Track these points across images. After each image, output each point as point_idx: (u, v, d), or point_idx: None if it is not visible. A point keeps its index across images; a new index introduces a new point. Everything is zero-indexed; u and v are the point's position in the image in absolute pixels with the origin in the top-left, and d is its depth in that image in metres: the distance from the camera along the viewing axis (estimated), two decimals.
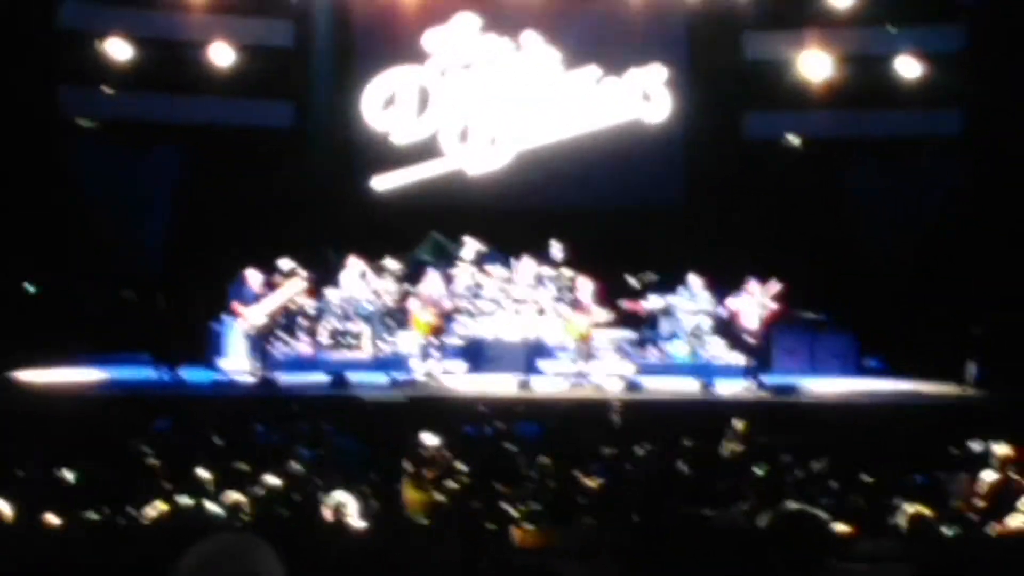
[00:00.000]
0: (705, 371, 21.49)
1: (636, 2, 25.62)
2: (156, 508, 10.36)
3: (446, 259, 23.66)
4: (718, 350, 22.46)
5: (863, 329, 23.20)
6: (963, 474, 12.82)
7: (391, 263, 22.64)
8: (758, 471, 13.22)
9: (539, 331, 22.42)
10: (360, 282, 22.47)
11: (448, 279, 22.34)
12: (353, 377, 20.54)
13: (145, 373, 20.90)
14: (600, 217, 24.77)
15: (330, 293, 22.42)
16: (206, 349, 22.44)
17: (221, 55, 24.52)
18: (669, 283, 22.60)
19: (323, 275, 22.37)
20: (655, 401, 19.74)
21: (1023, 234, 22.39)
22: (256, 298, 20.48)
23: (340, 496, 11.07)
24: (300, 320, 22.22)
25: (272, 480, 11.79)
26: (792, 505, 5.15)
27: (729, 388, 20.70)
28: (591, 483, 12.60)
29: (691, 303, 22.39)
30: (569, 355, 21.37)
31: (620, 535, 9.02)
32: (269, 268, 21.04)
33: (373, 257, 22.70)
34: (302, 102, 25.81)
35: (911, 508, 10.04)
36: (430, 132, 25.84)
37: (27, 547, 8.07)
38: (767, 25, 25.58)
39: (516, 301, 22.77)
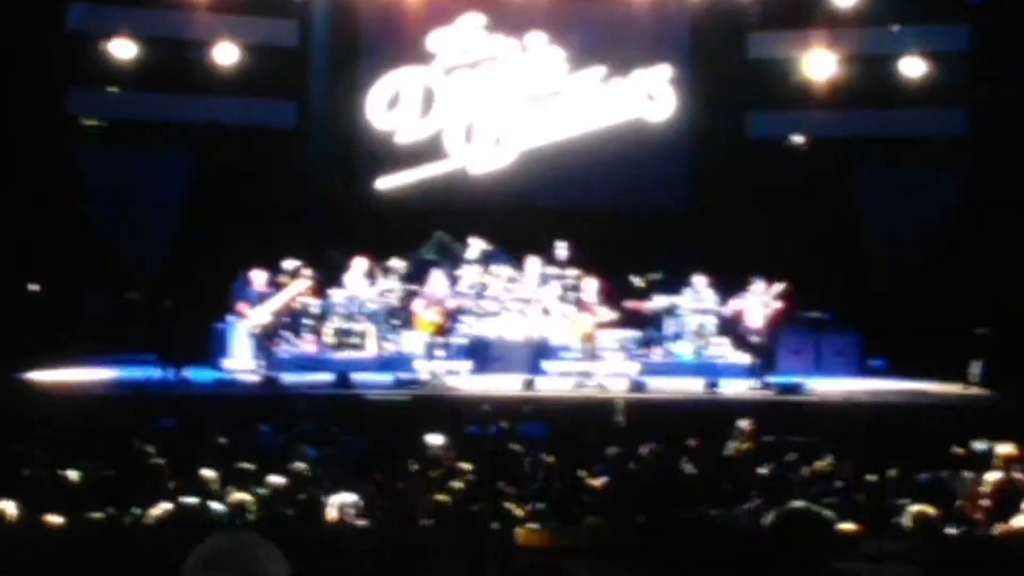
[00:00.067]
0: (710, 371, 21.47)
1: (641, 2, 25.62)
2: (161, 508, 10.36)
3: (451, 259, 23.64)
4: (723, 350, 22.45)
5: (868, 329, 23.18)
6: (968, 474, 12.81)
7: (395, 263, 22.64)
8: (763, 471, 13.22)
9: (544, 331, 22.40)
10: (364, 282, 22.47)
11: (453, 279, 22.32)
12: (357, 377, 20.54)
13: (150, 373, 20.90)
14: (605, 216, 24.80)
15: (334, 293, 22.41)
16: (211, 349, 22.44)
17: (226, 55, 24.54)
18: (674, 283, 22.59)
19: (327, 275, 22.36)
20: (660, 401, 19.74)
21: None
22: (260, 298, 20.51)
23: (344, 495, 11.08)
24: (304, 320, 22.21)
25: (277, 480, 11.80)
26: (797, 504, 5.15)
27: (734, 388, 20.69)
28: (596, 483, 12.60)
29: (696, 303, 22.38)
30: (574, 355, 21.36)
31: (625, 535, 9.03)
32: (273, 268, 21.06)
33: (377, 257, 22.69)
34: (307, 102, 25.83)
35: (915, 508, 10.03)
36: (434, 132, 25.84)
37: (32, 547, 8.08)
38: (772, 25, 25.60)
39: (521, 301, 22.75)
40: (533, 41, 25.77)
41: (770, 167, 25.08)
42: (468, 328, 22.46)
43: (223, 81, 24.69)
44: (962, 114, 24.43)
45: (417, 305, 21.23)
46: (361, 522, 10.44)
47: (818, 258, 23.78)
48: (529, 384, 20.40)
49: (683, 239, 24.58)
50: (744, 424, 15.79)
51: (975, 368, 21.24)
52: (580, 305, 21.22)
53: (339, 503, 10.88)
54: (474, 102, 25.87)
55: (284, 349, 21.71)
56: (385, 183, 25.77)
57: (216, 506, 10.83)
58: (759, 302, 20.84)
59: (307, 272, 21.24)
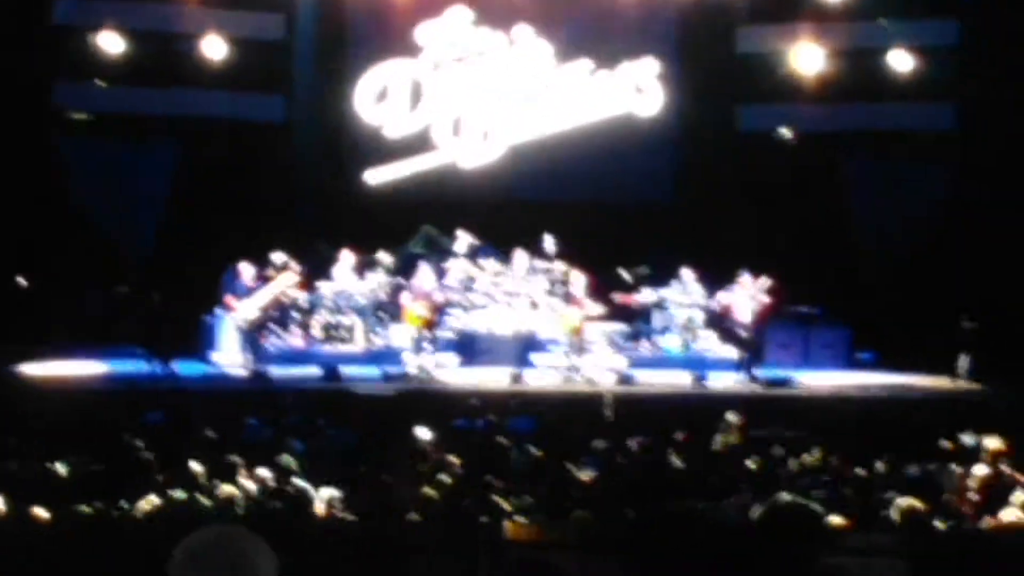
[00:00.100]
0: (698, 364, 21.49)
1: None
2: (149, 501, 10.34)
3: (439, 252, 23.63)
4: (711, 343, 22.50)
5: (856, 322, 23.23)
6: (956, 468, 12.83)
7: (384, 256, 22.63)
8: (751, 464, 13.24)
9: (532, 325, 22.41)
10: (352, 275, 22.46)
11: (441, 272, 22.32)
12: (346, 370, 20.53)
13: (138, 367, 20.86)
14: (593, 210, 24.80)
15: (323, 286, 22.40)
16: (199, 342, 22.44)
17: (214, 49, 24.48)
18: (662, 276, 22.62)
19: (316, 268, 22.35)
20: (648, 394, 19.75)
21: (1016, 228, 22.43)
22: (249, 291, 20.49)
23: (332, 489, 11.08)
24: (293, 313, 22.22)
25: (264, 473, 11.79)
26: (785, 498, 5.15)
27: (722, 381, 20.70)
28: (584, 476, 12.61)
29: (684, 296, 22.42)
30: (562, 348, 21.36)
31: (613, 528, 9.02)
32: (262, 261, 21.04)
33: (366, 250, 22.69)
34: (294, 95, 25.80)
35: (903, 501, 10.04)
36: (423, 125, 25.84)
37: (20, 541, 8.06)
38: (760, 18, 25.64)
39: (508, 294, 22.76)
40: (520, 35, 25.77)
41: (758, 161, 25.11)
42: (456, 322, 22.47)
43: (210, 74, 24.64)
44: (950, 108, 24.46)
45: (405, 299, 21.21)
46: (349, 515, 10.43)
47: (806, 252, 23.82)
48: (517, 378, 20.39)
49: (671, 233, 24.60)
50: (732, 418, 15.80)
51: (963, 362, 21.27)
52: (568, 299, 21.20)
53: (327, 496, 10.89)
54: (462, 96, 25.87)
55: (272, 343, 21.71)
56: (373, 177, 25.75)
57: (204, 500, 10.82)
58: (747, 296, 20.84)
59: (295, 266, 21.22)
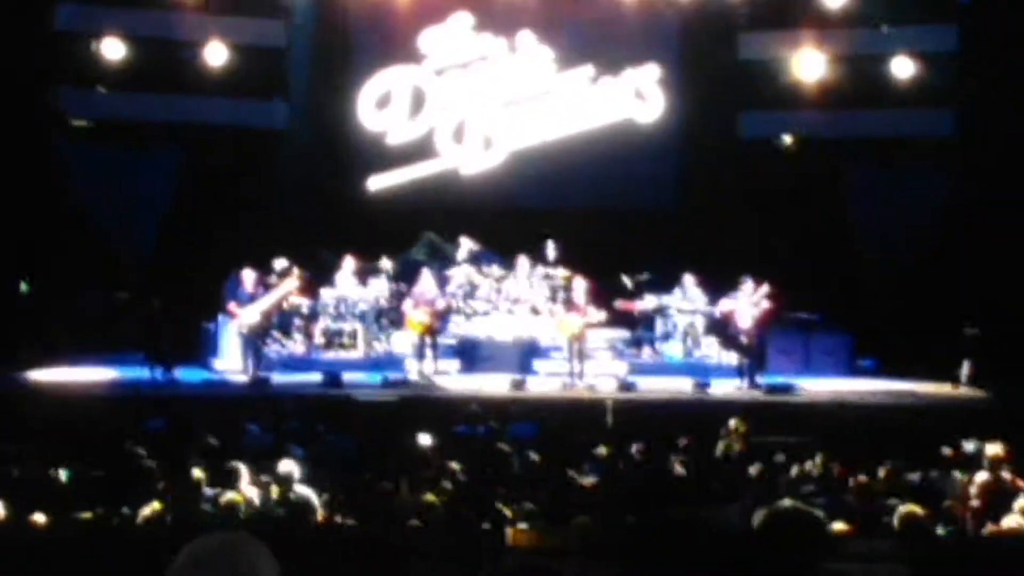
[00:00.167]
0: (699, 371, 21.50)
1: (630, 2, 25.61)
2: (150, 508, 10.34)
3: (440, 259, 23.67)
4: (712, 350, 22.49)
5: (858, 329, 23.21)
6: (957, 474, 12.82)
7: (385, 263, 22.65)
8: (752, 471, 13.23)
9: (533, 331, 22.43)
10: (354, 282, 22.46)
11: (442, 279, 22.34)
12: (347, 377, 20.52)
13: (139, 373, 20.86)
14: (594, 217, 24.80)
15: (324, 293, 22.41)
16: (200, 349, 22.45)
17: (216, 55, 24.50)
18: (663, 283, 22.62)
19: (317, 275, 22.35)
20: (649, 401, 19.73)
21: (1017, 234, 22.41)
22: (250, 298, 20.47)
23: (333, 495, 11.07)
24: (294, 320, 22.23)
25: (266, 479, 11.78)
26: (787, 504, 5.15)
27: (723, 388, 20.69)
28: (585, 483, 12.60)
29: (685, 303, 22.43)
30: (563, 355, 21.35)
31: (614, 535, 9.02)
32: (263, 268, 21.03)
33: (367, 257, 22.70)
34: (296, 102, 25.80)
35: (905, 508, 10.03)
36: (424, 132, 25.83)
37: (20, 547, 8.05)
38: (761, 25, 25.63)
39: (510, 301, 22.79)
40: (522, 41, 25.77)
41: (759, 167, 25.10)
42: (458, 328, 22.48)
43: (212, 81, 24.67)
44: (951, 114, 24.47)
45: (406, 305, 21.20)
46: (350, 522, 10.43)
47: (807, 258, 23.82)
48: (518, 384, 20.37)
49: (673, 239, 24.59)
50: (734, 424, 15.80)
51: (965, 368, 21.26)
52: (569, 305, 21.18)
53: (328, 502, 10.89)
54: (464, 102, 25.86)
55: (274, 349, 21.72)
56: (375, 183, 25.76)
57: (205, 506, 10.82)
58: (749, 302, 20.83)
59: (297, 272, 21.20)
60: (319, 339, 22.29)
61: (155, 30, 24.61)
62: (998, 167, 23.06)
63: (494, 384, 20.60)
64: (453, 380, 21.18)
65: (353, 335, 22.25)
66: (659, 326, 23.05)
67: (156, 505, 10.42)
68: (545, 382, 21.08)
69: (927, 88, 24.39)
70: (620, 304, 21.88)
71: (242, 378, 20.47)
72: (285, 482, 11.64)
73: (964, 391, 21.06)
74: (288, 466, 11.92)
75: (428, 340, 20.89)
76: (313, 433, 15.45)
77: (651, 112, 25.90)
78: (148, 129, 24.78)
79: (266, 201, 24.42)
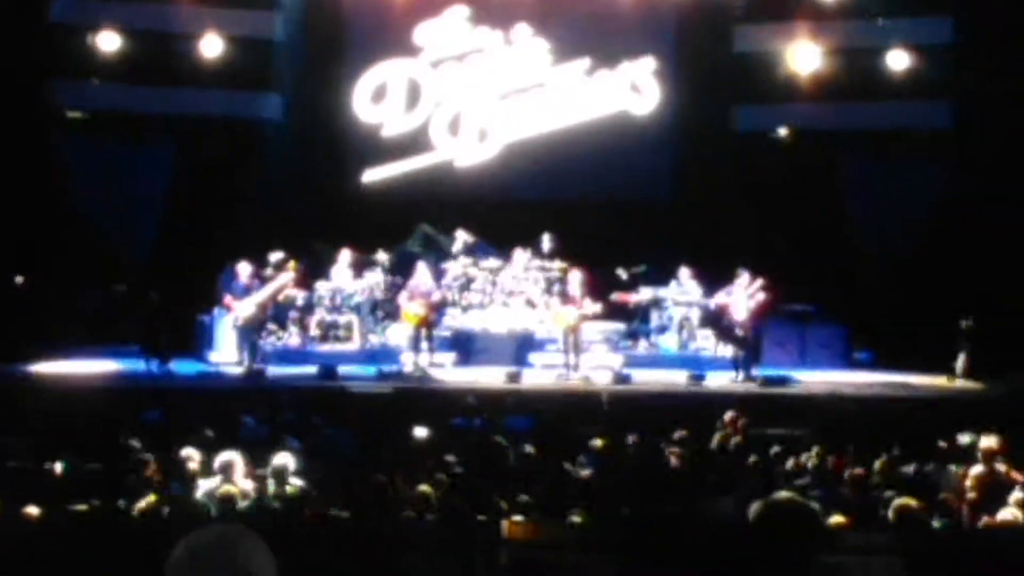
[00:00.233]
0: (695, 363, 21.50)
1: None
2: (145, 500, 10.34)
3: (436, 251, 23.67)
4: (708, 342, 22.50)
5: (853, 321, 23.24)
6: (953, 467, 12.84)
7: (381, 255, 22.64)
8: (748, 463, 13.24)
9: (528, 323, 22.44)
10: (350, 274, 22.46)
11: (437, 271, 22.33)
12: (342, 369, 20.51)
13: (135, 365, 20.85)
14: (590, 209, 24.79)
15: (320, 285, 22.40)
16: (196, 341, 22.45)
17: (211, 47, 24.48)
18: (659, 275, 22.63)
19: (313, 267, 22.34)
20: (645, 393, 19.74)
21: (1013, 226, 22.43)
22: (246, 290, 20.45)
23: (328, 486, 11.08)
24: (290, 312, 22.23)
25: (262, 472, 11.79)
26: (782, 495, 5.15)
27: (719, 380, 20.68)
28: (581, 475, 12.61)
29: (681, 295, 22.42)
30: (559, 347, 21.35)
31: (610, 527, 9.03)
32: (259, 260, 21.01)
33: (363, 249, 22.69)
34: (292, 94, 25.79)
35: (900, 500, 10.05)
36: (420, 124, 25.83)
37: (16, 540, 8.05)
38: (757, 18, 25.63)
39: (505, 293, 22.79)
40: (518, 33, 25.76)
41: (755, 160, 25.09)
42: (453, 320, 22.49)
43: (207, 73, 24.66)
44: (946, 106, 24.46)
45: (402, 298, 21.19)
46: (345, 514, 10.43)
47: (803, 250, 23.82)
48: (514, 376, 20.37)
49: (668, 231, 24.60)
50: (729, 417, 15.82)
51: (960, 360, 21.28)
52: (565, 297, 21.14)
53: (323, 494, 10.89)
54: (459, 95, 25.86)
55: (269, 341, 21.71)
56: (371, 176, 25.75)
57: (201, 498, 10.82)
58: (744, 294, 20.82)
59: (292, 264, 21.19)
60: (314, 331, 22.28)
61: (150, 22, 24.60)
62: (994, 159, 23.04)
63: (490, 377, 20.58)
64: (448, 372, 21.19)
65: (349, 327, 22.25)
66: (655, 318, 23.05)
67: (152, 497, 10.43)
68: (541, 375, 21.08)
69: (923, 80, 24.39)
70: (616, 296, 21.86)
71: (238, 370, 20.45)
72: (279, 476, 11.65)
73: (960, 383, 21.06)
74: (284, 458, 11.93)
75: (424, 332, 20.88)
76: (309, 425, 15.45)
77: (647, 105, 25.91)
78: (143, 121, 24.77)
79: (261, 194, 24.40)
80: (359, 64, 26.00)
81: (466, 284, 22.88)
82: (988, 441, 12.59)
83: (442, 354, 21.65)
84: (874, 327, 23.23)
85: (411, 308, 20.81)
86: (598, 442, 14.20)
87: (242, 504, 10.66)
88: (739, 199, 24.71)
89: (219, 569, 3.80)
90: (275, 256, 21.16)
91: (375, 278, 22.39)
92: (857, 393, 20.03)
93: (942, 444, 14.12)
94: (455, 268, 22.93)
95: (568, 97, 25.80)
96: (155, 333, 20.87)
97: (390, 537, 8.19)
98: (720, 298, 21.10)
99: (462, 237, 23.24)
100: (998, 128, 23.05)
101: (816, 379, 21.19)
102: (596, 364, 21.32)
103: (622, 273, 22.33)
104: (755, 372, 20.80)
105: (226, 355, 21.39)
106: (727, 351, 21.52)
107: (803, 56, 24.80)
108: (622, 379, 20.51)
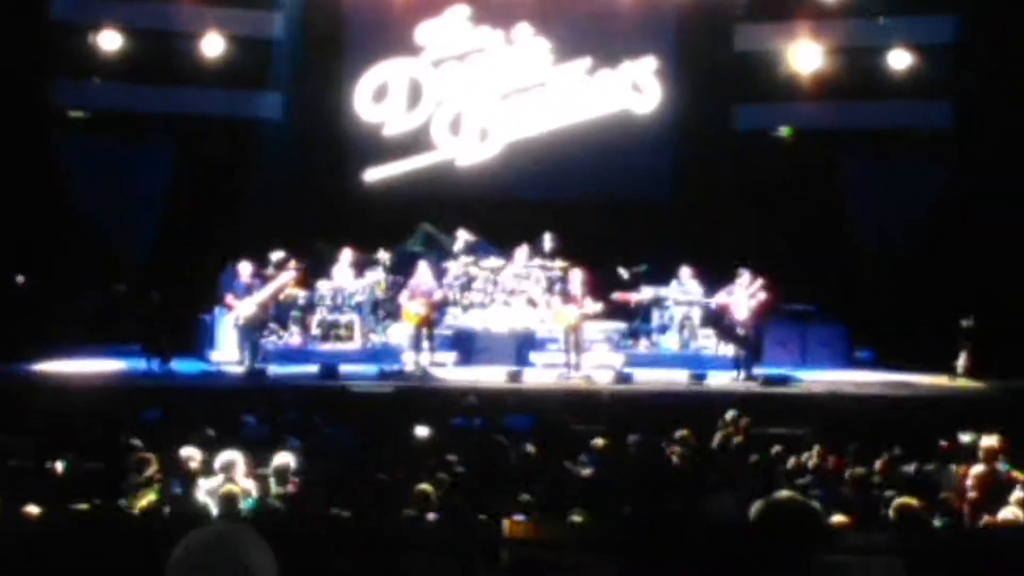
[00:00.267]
0: (696, 363, 21.50)
1: None
2: (147, 499, 10.34)
3: (437, 250, 23.65)
4: (709, 342, 22.50)
5: (854, 320, 23.22)
6: (954, 466, 12.84)
7: (382, 254, 22.63)
8: (749, 462, 13.24)
9: (529, 322, 22.43)
10: (351, 273, 22.45)
11: (439, 270, 22.33)
12: (343, 369, 20.50)
13: (136, 364, 20.86)
14: (591, 208, 24.76)
15: (321, 285, 22.40)
16: (197, 341, 22.44)
17: (212, 47, 24.47)
18: (660, 274, 22.62)
19: (314, 267, 22.34)
20: (646, 392, 19.74)
21: (1013, 225, 22.42)
22: (247, 290, 20.44)
23: (330, 486, 11.08)
24: (291, 311, 22.22)
25: (264, 471, 11.78)
26: (783, 495, 5.14)
27: (720, 380, 20.68)
28: (582, 474, 12.60)
29: (682, 295, 22.42)
30: (559, 346, 21.35)
31: (611, 526, 9.02)
32: (260, 260, 21.00)
33: (364, 249, 22.68)
34: (293, 93, 25.76)
35: (901, 500, 10.05)
36: (421, 124, 25.82)
37: (17, 539, 8.05)
38: (758, 17, 25.60)
39: (506, 292, 22.78)
40: (519, 33, 25.76)
41: (756, 159, 25.07)
42: (454, 320, 22.48)
43: (208, 72, 24.64)
44: (947, 106, 24.45)
45: (403, 297, 21.19)
46: (346, 513, 10.43)
47: (804, 250, 23.82)
48: (515, 376, 20.36)
49: (669, 231, 24.59)
50: (730, 416, 15.81)
51: (961, 360, 21.27)
52: (566, 297, 21.14)
53: (324, 493, 10.89)
54: (460, 94, 25.85)
55: (270, 341, 21.71)
56: (372, 175, 25.74)
57: (202, 497, 10.82)
58: (745, 294, 20.81)
59: (293, 264, 21.18)
60: (316, 331, 22.28)
61: (151, 21, 24.56)
62: (994, 159, 23.03)
63: (490, 376, 20.58)
64: (449, 372, 21.19)
65: (350, 327, 22.25)
66: (656, 318, 23.05)
67: (152, 496, 10.43)
68: (542, 374, 21.08)
69: (923, 80, 24.38)
70: (617, 296, 21.86)
71: (239, 370, 20.44)
72: (280, 475, 11.65)
73: (960, 383, 21.06)
74: (285, 458, 11.93)
75: (424, 332, 20.89)
76: (310, 424, 15.45)
77: (647, 104, 25.90)
78: (144, 120, 24.74)
79: (262, 193, 24.39)
80: (359, 63, 25.99)
81: (467, 283, 22.88)
82: (989, 440, 12.59)
83: (443, 353, 21.66)
84: (875, 327, 23.22)
85: (412, 307, 20.81)
86: (599, 441, 14.20)
87: (243, 503, 10.65)
88: (740, 198, 24.70)
89: (219, 569, 3.79)
90: (276, 255, 21.16)
91: (376, 277, 22.38)
92: (858, 392, 20.03)
93: (943, 443, 14.13)
94: (456, 267, 22.93)
95: (569, 96, 25.80)
96: (156, 333, 20.89)
97: (391, 536, 8.19)
98: (721, 297, 21.11)
99: (463, 236, 23.24)
100: (998, 128, 23.04)
101: (817, 378, 21.20)
102: (597, 363, 21.32)
103: (623, 272, 22.33)
104: (756, 371, 20.80)
105: (227, 354, 21.38)
106: (728, 350, 21.54)
107: (804, 55, 24.79)
108: (623, 378, 20.50)
